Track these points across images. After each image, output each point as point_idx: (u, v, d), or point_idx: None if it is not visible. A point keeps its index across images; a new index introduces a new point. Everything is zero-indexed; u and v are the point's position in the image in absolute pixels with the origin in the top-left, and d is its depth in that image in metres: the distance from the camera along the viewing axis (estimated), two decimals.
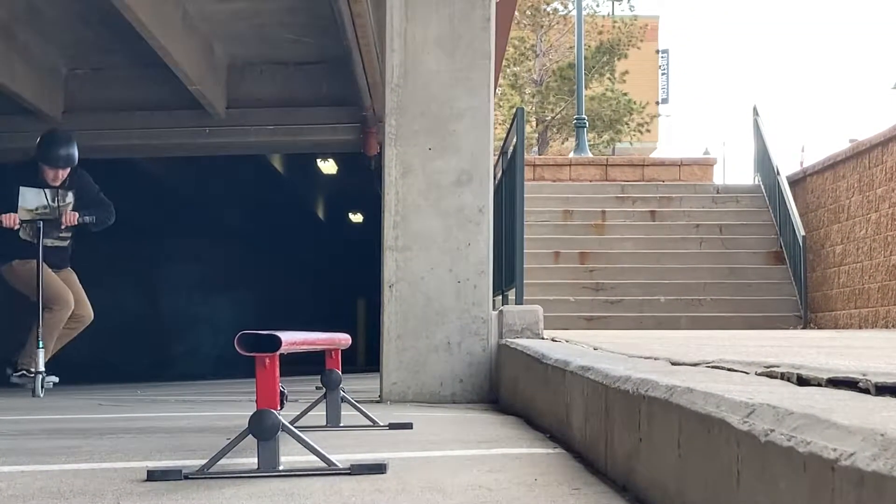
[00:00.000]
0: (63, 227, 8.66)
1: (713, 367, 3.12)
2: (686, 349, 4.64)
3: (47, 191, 8.60)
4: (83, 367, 20.83)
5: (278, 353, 3.05)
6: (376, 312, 6.98)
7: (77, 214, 8.57)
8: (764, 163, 17.94)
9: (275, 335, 3.02)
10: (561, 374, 3.98)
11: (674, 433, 2.28)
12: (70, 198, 8.68)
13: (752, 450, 1.79)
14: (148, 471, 3.15)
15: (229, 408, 6.55)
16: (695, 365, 3.26)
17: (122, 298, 27.80)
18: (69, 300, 8.82)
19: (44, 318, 8.75)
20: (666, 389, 2.41)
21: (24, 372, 8.65)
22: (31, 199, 8.60)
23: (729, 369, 2.97)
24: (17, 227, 8.43)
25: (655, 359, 3.70)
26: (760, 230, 16.77)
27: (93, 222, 8.70)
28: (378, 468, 3.13)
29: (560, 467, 3.29)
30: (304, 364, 6.84)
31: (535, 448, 3.86)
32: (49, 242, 8.65)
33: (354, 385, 7.54)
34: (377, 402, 6.61)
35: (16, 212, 8.50)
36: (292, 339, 3.26)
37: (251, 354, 3.03)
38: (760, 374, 2.72)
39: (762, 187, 17.86)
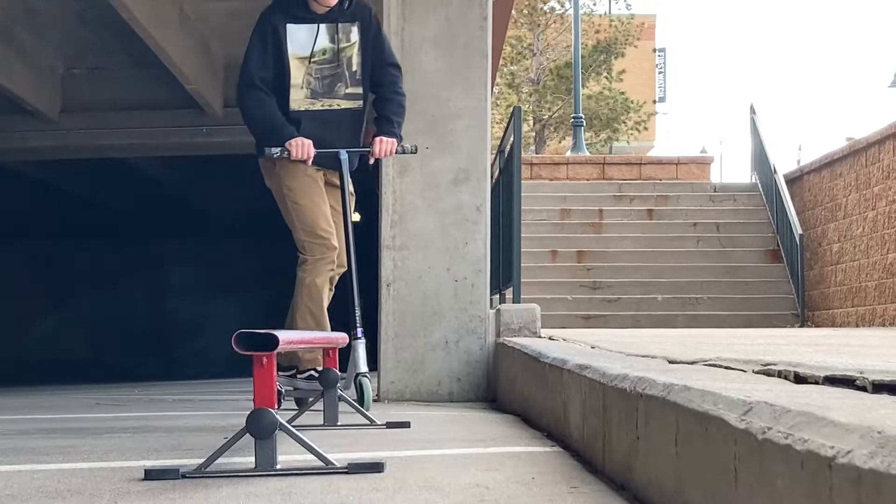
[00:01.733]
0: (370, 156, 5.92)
1: (710, 365, 3.13)
2: (683, 347, 4.64)
3: (322, 26, 5.88)
4: (83, 366, 20.87)
5: (275, 352, 3.04)
6: (374, 311, 6.98)
7: (395, 142, 5.88)
8: (761, 161, 17.95)
9: (272, 334, 3.02)
10: (558, 373, 3.98)
11: (671, 431, 2.28)
12: (355, 34, 5.95)
13: (750, 448, 1.79)
14: (145, 470, 3.14)
15: (226, 407, 6.55)
16: (692, 363, 3.27)
17: (119, 297, 27.84)
18: (332, 241, 5.91)
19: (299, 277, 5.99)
20: (663, 387, 2.41)
21: (312, 371, 6.02)
22: (304, 39, 5.88)
23: (726, 367, 2.97)
24: (310, 159, 5.74)
25: (653, 357, 3.70)
26: (757, 228, 16.79)
27: (413, 150, 6.02)
28: (375, 467, 3.13)
29: (558, 466, 3.29)
30: None
31: (533, 447, 3.86)
32: (328, 104, 5.92)
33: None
34: (375, 400, 6.61)
35: (287, 81, 5.83)
36: (290, 338, 3.26)
37: (248, 353, 3.03)
38: (757, 372, 2.72)
39: (759, 186, 17.88)
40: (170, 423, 5.32)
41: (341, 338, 4.71)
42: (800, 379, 2.43)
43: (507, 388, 5.99)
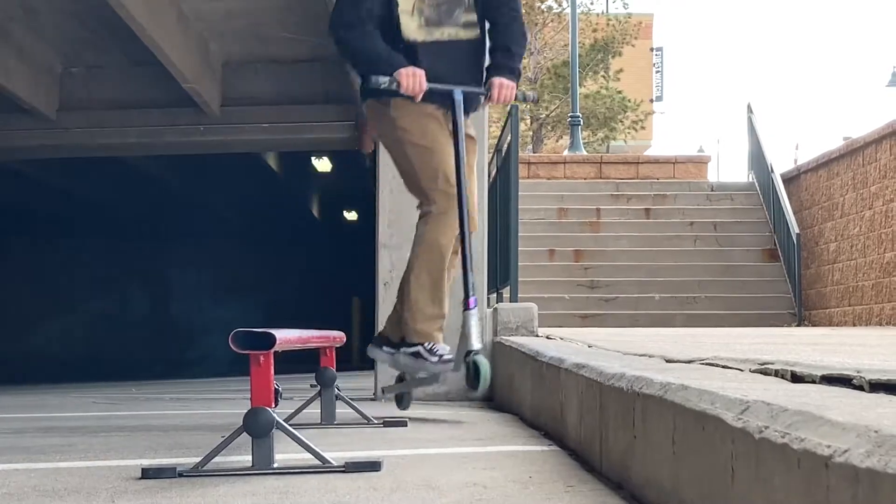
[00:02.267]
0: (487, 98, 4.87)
1: (707, 364, 3.12)
2: (680, 346, 4.64)
3: None
4: (83, 365, 20.87)
5: (272, 350, 3.04)
6: (371, 310, 6.98)
7: (514, 87, 4.80)
8: (758, 160, 17.95)
9: (269, 333, 3.02)
10: (556, 372, 3.98)
11: (668, 430, 2.28)
12: None
13: (747, 447, 1.79)
14: (142, 469, 3.14)
15: (224, 405, 6.55)
16: (689, 362, 3.26)
17: (119, 295, 27.83)
18: (452, 195, 4.81)
19: (421, 235, 4.94)
20: (660, 386, 2.41)
21: (421, 348, 4.95)
22: None
23: (723, 366, 2.97)
24: (422, 93, 4.67)
25: (650, 356, 3.70)
26: (755, 228, 16.79)
27: (534, 99, 5.27)
28: (372, 466, 3.13)
29: (555, 465, 3.29)
30: (299, 362, 6.84)
31: (530, 446, 3.86)
32: (448, 34, 4.84)
33: (349, 383, 7.54)
34: (372, 399, 6.61)
35: (394, 8, 4.76)
36: (286, 337, 3.26)
37: (245, 352, 3.03)
38: (755, 371, 2.72)
39: (756, 185, 17.87)
40: (166, 422, 5.32)
41: (338, 337, 4.70)
42: (797, 378, 2.43)
43: (504, 387, 5.99)
